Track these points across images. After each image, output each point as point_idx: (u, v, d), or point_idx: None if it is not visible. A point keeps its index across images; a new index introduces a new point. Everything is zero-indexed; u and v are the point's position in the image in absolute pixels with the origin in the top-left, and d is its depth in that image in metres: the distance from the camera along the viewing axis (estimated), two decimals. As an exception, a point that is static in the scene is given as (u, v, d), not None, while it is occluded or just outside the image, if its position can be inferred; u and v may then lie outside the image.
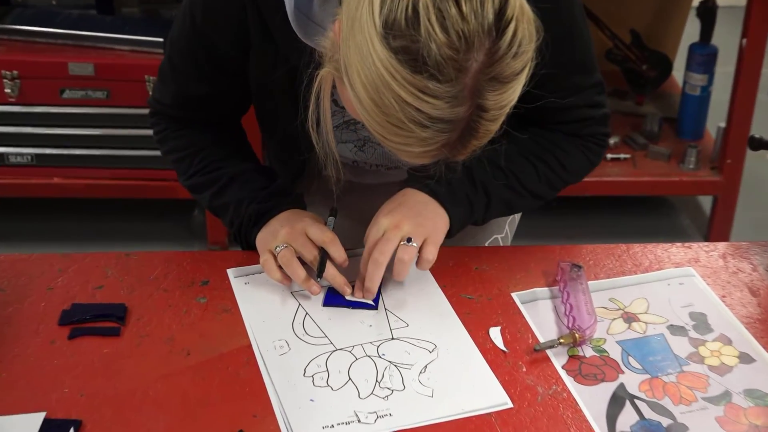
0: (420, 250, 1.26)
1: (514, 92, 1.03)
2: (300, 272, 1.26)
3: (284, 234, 1.28)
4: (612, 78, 2.91)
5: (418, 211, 1.28)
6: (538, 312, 1.27)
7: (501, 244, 1.58)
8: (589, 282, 1.30)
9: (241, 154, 1.41)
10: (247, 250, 1.35)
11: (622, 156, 2.78)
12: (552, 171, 1.36)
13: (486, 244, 1.52)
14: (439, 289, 1.30)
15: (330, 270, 1.26)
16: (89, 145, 2.68)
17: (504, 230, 1.59)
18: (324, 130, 1.17)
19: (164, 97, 1.39)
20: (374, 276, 1.25)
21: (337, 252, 1.26)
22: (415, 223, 1.26)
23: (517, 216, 1.63)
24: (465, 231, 1.36)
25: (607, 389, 1.15)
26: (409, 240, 1.24)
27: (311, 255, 1.26)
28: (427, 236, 1.26)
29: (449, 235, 1.31)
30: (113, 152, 2.69)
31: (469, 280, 1.32)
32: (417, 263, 1.26)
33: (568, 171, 1.38)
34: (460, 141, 1.04)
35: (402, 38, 0.97)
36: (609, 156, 2.75)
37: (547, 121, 1.35)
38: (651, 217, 3.02)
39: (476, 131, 1.04)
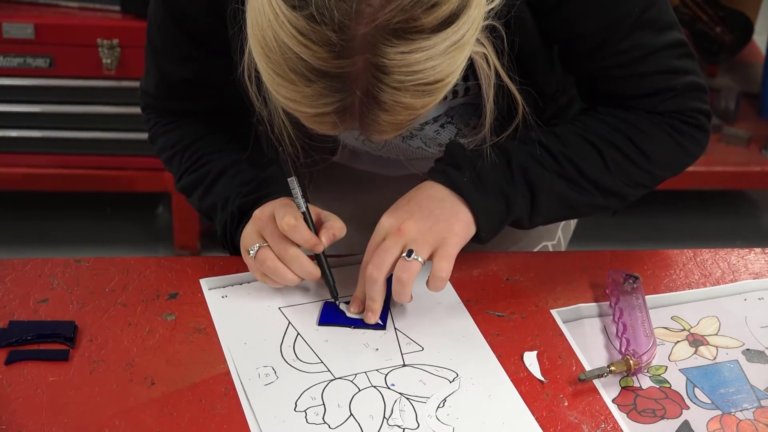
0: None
1: (429, 58, 1.03)
2: (289, 276, 1.26)
3: (253, 227, 1.28)
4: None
5: (429, 210, 1.25)
6: (584, 333, 1.29)
7: None
8: (647, 296, 1.32)
9: (238, 143, 1.41)
10: (225, 256, 1.37)
11: (689, 140, 2.79)
12: (626, 157, 1.31)
13: None
14: (462, 305, 1.32)
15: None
16: (27, 125, 2.70)
17: (556, 236, 1.58)
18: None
19: (149, 86, 1.42)
20: (374, 294, 1.25)
21: (302, 238, 1.24)
22: (422, 226, 1.24)
23: (574, 220, 1.62)
24: (505, 235, 1.33)
25: (668, 428, 1.16)
26: (410, 253, 1.22)
27: (285, 252, 1.25)
28: (437, 245, 1.23)
29: (480, 240, 1.28)
30: (57, 134, 2.70)
31: (499, 294, 1.33)
32: (427, 282, 1.25)
33: (649, 158, 1.32)
34: (365, 111, 1.07)
35: None
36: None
37: (613, 96, 1.33)
38: (725, 216, 3.02)
39: (380, 100, 1.05)
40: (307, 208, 1.26)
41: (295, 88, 1.05)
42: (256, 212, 1.28)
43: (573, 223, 1.62)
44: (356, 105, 1.07)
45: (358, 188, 1.56)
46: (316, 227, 1.27)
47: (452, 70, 1.06)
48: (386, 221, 1.25)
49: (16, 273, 1.34)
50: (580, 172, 1.30)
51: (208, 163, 1.38)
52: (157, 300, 1.31)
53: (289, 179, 1.26)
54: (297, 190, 1.26)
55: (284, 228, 1.24)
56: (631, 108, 1.32)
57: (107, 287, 1.32)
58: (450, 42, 1.04)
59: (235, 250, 1.34)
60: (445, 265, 1.23)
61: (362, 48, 1.02)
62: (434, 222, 1.24)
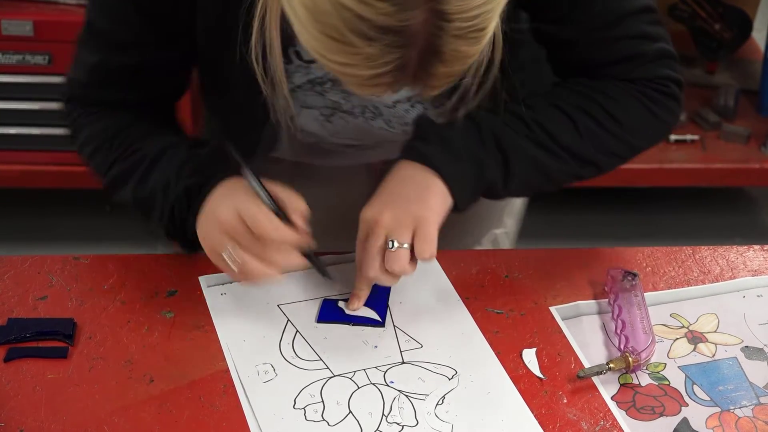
0: (412, 248, 1.22)
1: (484, 2, 1.02)
2: (276, 278, 1.20)
3: (218, 229, 1.21)
4: (677, 40, 2.89)
5: (399, 191, 1.24)
6: (583, 330, 1.29)
7: (501, 244, 1.56)
8: (646, 293, 1.32)
9: (169, 129, 1.36)
10: (195, 252, 1.32)
11: (688, 137, 2.78)
12: (598, 124, 1.30)
13: (483, 242, 1.51)
14: (461, 302, 1.32)
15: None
16: (26, 123, 2.70)
17: (503, 223, 1.58)
18: (272, 63, 1.18)
19: (79, 75, 1.36)
20: (360, 283, 1.25)
21: (288, 239, 1.19)
22: (397, 212, 1.22)
23: (520, 205, 1.60)
24: (450, 225, 1.28)
25: (666, 425, 1.17)
26: (392, 244, 1.21)
27: (264, 252, 1.19)
28: (415, 225, 1.22)
29: (458, 209, 1.27)
30: (56, 131, 2.70)
31: (498, 291, 1.34)
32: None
33: (622, 125, 1.30)
34: (422, 65, 1.04)
35: None
36: (672, 137, 2.75)
37: (585, 66, 1.32)
38: (724, 213, 3.02)
39: (440, 51, 1.03)
40: (272, 200, 1.21)
41: (353, 50, 1.02)
42: (218, 214, 1.21)
43: (521, 208, 1.61)
44: (414, 60, 1.04)
45: (311, 184, 1.50)
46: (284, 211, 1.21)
47: (496, 16, 1.06)
48: (365, 215, 1.24)
49: (15, 270, 1.34)
50: (551, 138, 1.29)
51: (140, 149, 1.32)
52: (156, 297, 1.31)
53: (244, 171, 1.21)
54: (258, 187, 1.21)
55: (268, 235, 1.18)
56: (602, 77, 1.32)
57: (106, 284, 1.32)
58: None
59: (184, 236, 1.28)
60: (427, 247, 1.22)
61: None
62: (407, 203, 1.23)
